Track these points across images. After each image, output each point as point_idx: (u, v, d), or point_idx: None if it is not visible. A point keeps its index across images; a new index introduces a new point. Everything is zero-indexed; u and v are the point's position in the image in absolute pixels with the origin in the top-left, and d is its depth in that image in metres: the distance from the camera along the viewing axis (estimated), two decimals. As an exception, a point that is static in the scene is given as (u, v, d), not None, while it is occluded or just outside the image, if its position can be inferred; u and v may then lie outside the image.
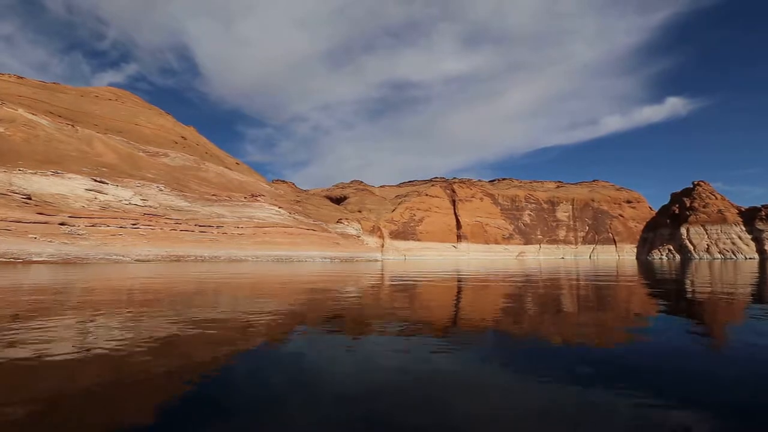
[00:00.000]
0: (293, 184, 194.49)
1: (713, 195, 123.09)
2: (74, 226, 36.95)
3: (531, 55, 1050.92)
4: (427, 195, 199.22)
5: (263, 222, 58.27)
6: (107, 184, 45.56)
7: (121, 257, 35.06)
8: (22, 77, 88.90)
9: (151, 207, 47.71)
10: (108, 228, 39.36)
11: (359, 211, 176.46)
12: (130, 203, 45.37)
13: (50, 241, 31.65)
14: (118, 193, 45.37)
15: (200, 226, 50.04)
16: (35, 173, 41.38)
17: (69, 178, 42.89)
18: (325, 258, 54.23)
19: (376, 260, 60.20)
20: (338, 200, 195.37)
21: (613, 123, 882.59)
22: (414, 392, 2.56)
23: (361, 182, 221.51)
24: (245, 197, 64.01)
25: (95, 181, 44.49)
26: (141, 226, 42.64)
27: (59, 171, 43.68)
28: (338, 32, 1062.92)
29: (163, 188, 53.93)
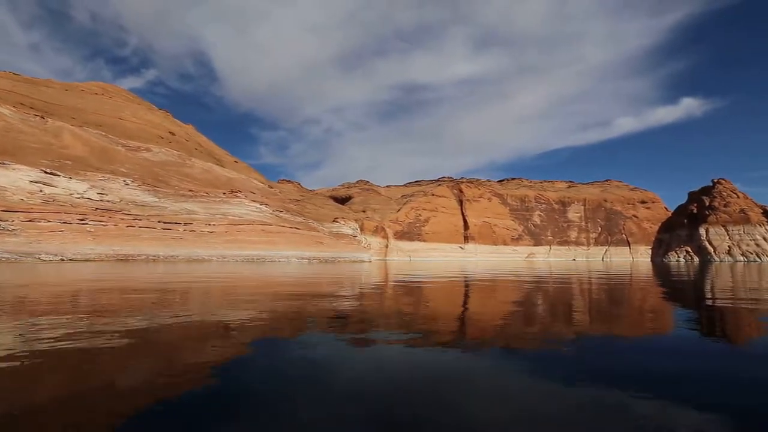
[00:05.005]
0: (299, 183, 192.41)
1: (735, 193, 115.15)
2: (6, 221, 32.87)
3: (541, 57, 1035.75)
4: (433, 195, 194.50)
5: (238, 219, 53.78)
6: (59, 176, 41.47)
7: (51, 256, 30.81)
8: (16, 73, 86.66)
9: (109, 202, 43.53)
10: (48, 224, 35.21)
11: (363, 211, 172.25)
12: (82, 197, 41.21)
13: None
14: (70, 186, 41.23)
15: (165, 222, 45.74)
16: (-25, 164, 37.49)
17: (14, 169, 38.92)
18: (302, 258, 49.51)
19: (363, 261, 55.28)
20: (343, 200, 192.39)
21: (625, 124, 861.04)
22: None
23: (367, 182, 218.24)
24: (224, 193, 59.69)
25: (45, 173, 40.44)
26: (90, 222, 38.47)
27: (6, 162, 39.75)
28: (350, 37, 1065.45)
29: (130, 182, 49.83)
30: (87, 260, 32.60)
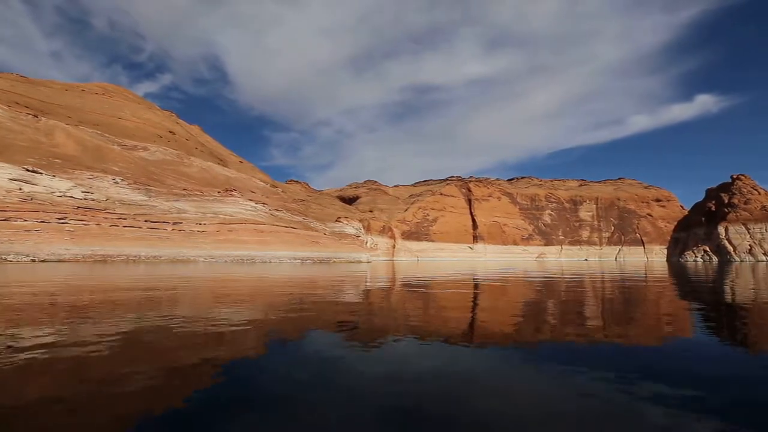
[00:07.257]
0: (307, 184, 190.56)
1: (756, 190, 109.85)
2: (-21, 220, 31.36)
3: (554, 56, 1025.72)
4: (441, 194, 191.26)
5: (230, 218, 51.91)
6: (41, 174, 39.98)
7: (21, 257, 29.12)
8: (23, 75, 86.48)
9: (93, 200, 41.97)
10: (24, 223, 33.66)
11: (371, 211, 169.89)
12: (64, 195, 39.68)
13: None
14: (51, 185, 39.73)
15: (152, 222, 44.04)
16: (-47, 161, 36.14)
17: (-7, 167, 37.49)
18: (295, 258, 47.39)
19: (360, 261, 52.97)
20: (350, 200, 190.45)
21: (639, 122, 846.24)
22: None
23: (375, 182, 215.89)
24: (219, 192, 57.92)
25: (27, 170, 38.98)
26: (70, 221, 36.89)
27: (-14, 159, 38.38)
28: (362, 39, 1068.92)
29: (120, 181, 48.30)
30: (61, 261, 30.92)
